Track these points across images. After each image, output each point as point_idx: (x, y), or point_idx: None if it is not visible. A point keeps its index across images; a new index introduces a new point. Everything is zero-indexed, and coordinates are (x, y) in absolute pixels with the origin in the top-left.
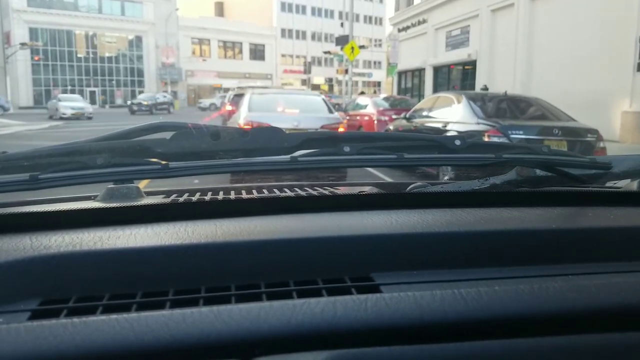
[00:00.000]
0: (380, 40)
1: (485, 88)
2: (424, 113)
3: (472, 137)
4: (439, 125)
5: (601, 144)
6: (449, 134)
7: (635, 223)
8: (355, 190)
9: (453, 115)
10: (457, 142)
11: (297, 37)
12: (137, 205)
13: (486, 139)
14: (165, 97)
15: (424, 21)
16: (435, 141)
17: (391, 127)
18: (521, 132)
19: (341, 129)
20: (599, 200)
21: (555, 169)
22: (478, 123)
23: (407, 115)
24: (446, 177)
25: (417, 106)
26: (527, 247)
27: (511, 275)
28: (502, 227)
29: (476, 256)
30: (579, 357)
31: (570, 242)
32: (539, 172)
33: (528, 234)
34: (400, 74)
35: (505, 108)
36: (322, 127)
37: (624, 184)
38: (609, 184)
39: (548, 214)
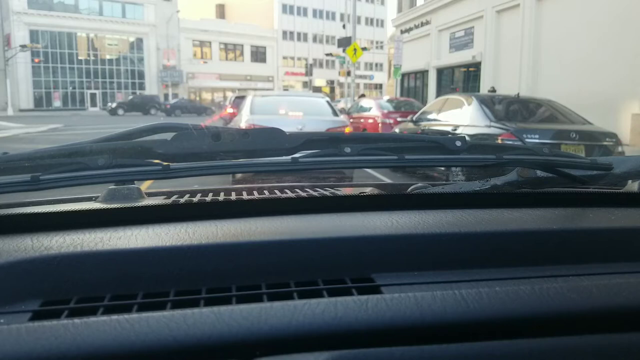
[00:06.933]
0: (381, 42)
1: (493, 90)
2: (432, 116)
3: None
4: (448, 129)
5: (620, 149)
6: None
7: (635, 224)
8: (356, 191)
9: (463, 117)
10: (458, 143)
11: (299, 39)
12: (138, 206)
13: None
14: None
15: (427, 22)
16: (436, 142)
17: (397, 130)
18: (536, 136)
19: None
20: (600, 201)
21: (556, 170)
22: (489, 126)
23: (414, 118)
24: (457, 179)
25: (425, 108)
26: (528, 248)
27: (512, 276)
28: (503, 228)
29: (477, 257)
30: (579, 358)
31: (571, 243)
32: (539, 173)
33: (529, 234)
34: (402, 75)
35: (517, 110)
36: (327, 130)
37: (625, 185)
38: (609, 185)
39: (549, 215)
